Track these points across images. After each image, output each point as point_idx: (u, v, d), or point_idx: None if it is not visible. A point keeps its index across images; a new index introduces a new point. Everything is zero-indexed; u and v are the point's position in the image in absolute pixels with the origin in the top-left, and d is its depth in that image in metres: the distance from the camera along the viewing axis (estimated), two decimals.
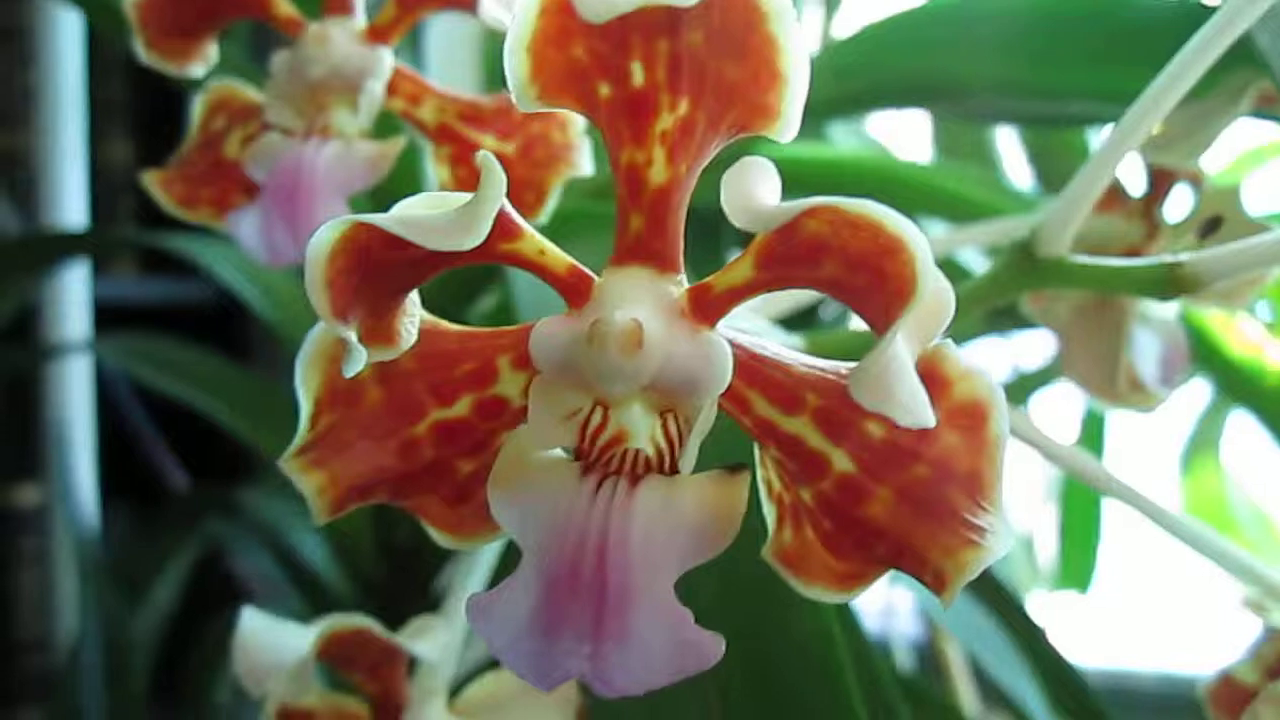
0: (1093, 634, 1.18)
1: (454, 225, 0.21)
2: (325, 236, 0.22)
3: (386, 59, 0.40)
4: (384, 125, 0.42)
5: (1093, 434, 0.92)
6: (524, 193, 0.40)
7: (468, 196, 0.22)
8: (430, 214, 0.22)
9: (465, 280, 0.67)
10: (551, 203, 0.40)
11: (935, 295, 0.20)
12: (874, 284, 0.21)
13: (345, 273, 0.22)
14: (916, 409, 0.20)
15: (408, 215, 0.22)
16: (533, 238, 0.24)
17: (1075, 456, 0.43)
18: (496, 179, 0.22)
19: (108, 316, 1.18)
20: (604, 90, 0.23)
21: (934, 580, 0.23)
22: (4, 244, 1.11)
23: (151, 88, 1.32)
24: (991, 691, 0.82)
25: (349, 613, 0.81)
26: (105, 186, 1.28)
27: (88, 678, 0.88)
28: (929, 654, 0.99)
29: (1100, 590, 1.02)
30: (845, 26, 0.90)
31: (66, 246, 0.96)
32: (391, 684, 0.36)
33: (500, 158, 0.41)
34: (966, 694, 0.91)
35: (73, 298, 1.13)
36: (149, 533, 1.10)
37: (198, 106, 0.44)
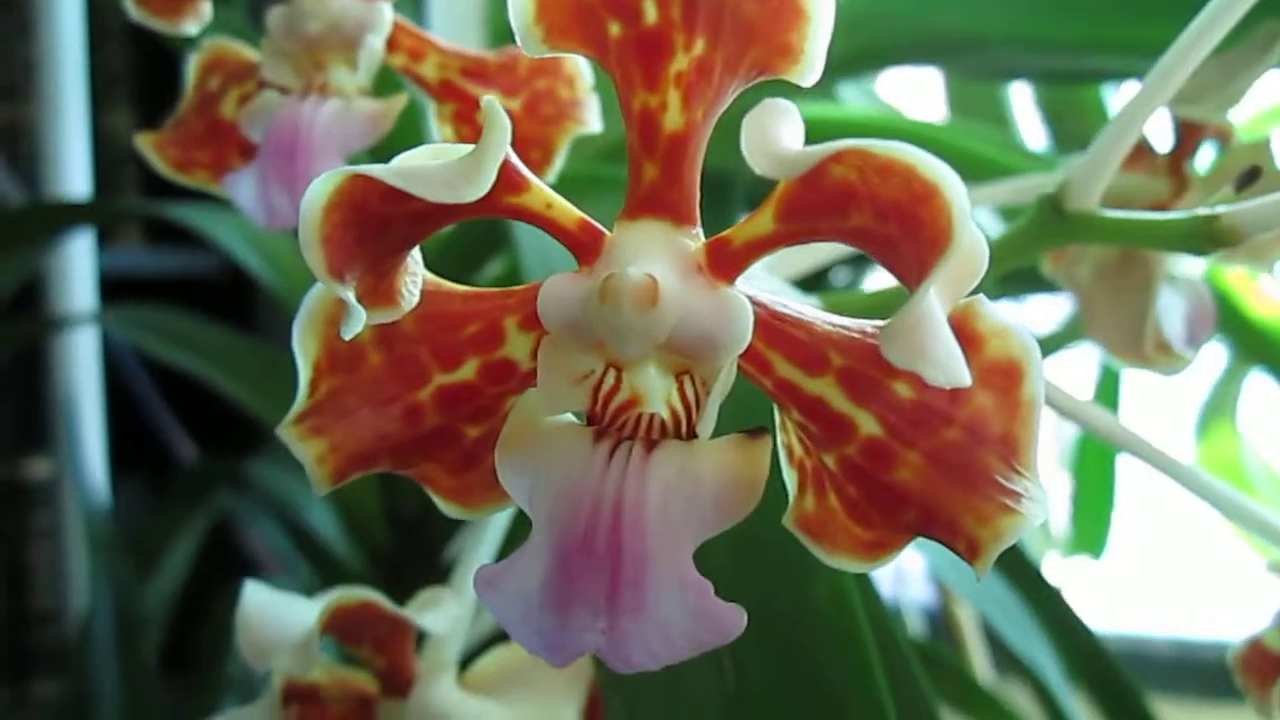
0: (1106, 599, 1.18)
1: (456, 175, 0.20)
2: (320, 189, 0.21)
3: (386, 13, 0.39)
4: (385, 83, 0.41)
5: (1107, 399, 0.91)
6: (530, 151, 0.39)
7: (471, 147, 0.21)
8: (431, 164, 0.21)
9: (471, 245, 0.66)
10: (559, 161, 0.39)
11: (971, 245, 0.19)
12: (906, 233, 0.19)
13: (342, 228, 0.21)
14: (951, 366, 0.19)
15: (407, 166, 0.21)
16: (540, 190, 0.23)
17: (1091, 412, 0.42)
18: (500, 125, 0.20)
19: (114, 288, 1.18)
20: (614, 29, 0.22)
21: (967, 549, 0.22)
22: (8, 214, 1.10)
23: (153, 56, 1.31)
24: (1005, 657, 0.82)
25: (355, 584, 0.80)
26: (108, 156, 1.27)
27: (100, 650, 0.88)
28: (941, 620, 0.99)
29: (1113, 556, 1.01)
30: None
31: (71, 217, 0.95)
32: (399, 658, 0.35)
33: (507, 115, 0.40)
34: (979, 659, 0.91)
35: (78, 269, 1.12)
36: (159, 505, 1.10)
37: (192, 66, 0.43)
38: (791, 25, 0.21)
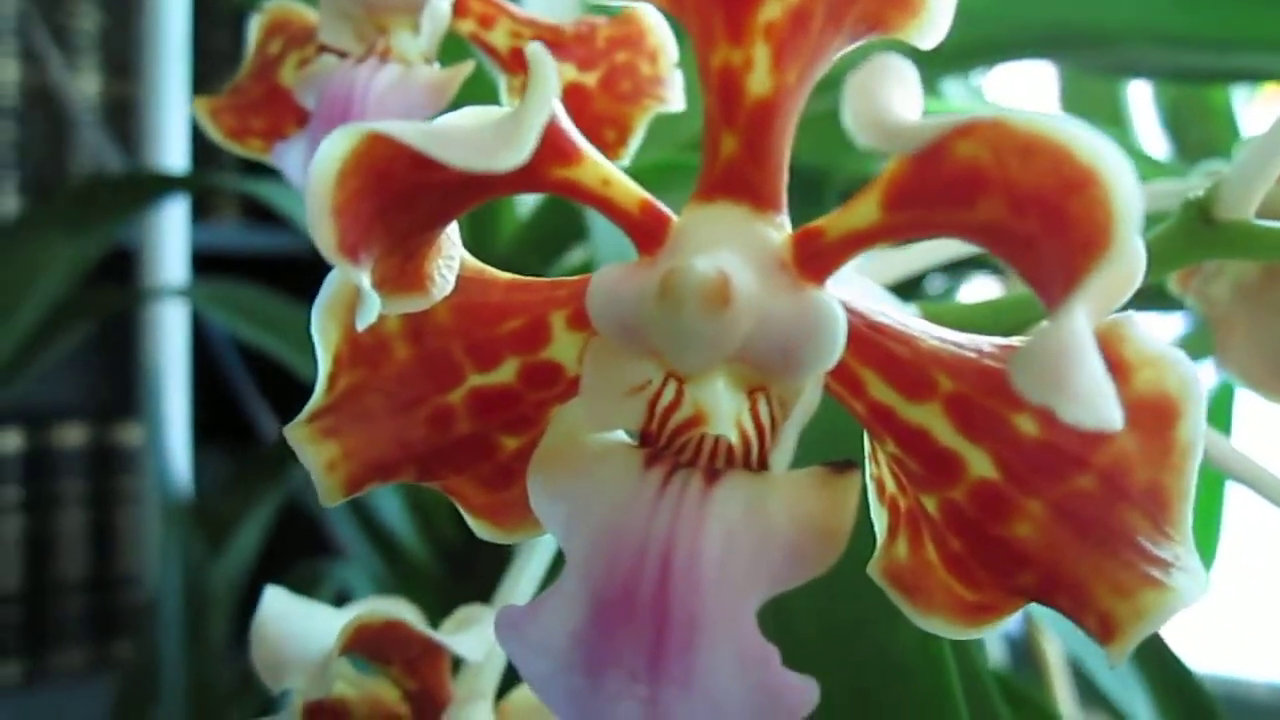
0: (1204, 638, 1.11)
1: (492, 138, 0.16)
2: (333, 150, 0.17)
3: None
4: (456, 50, 0.38)
5: (1218, 422, 0.85)
6: (604, 129, 0.35)
7: (512, 109, 0.17)
8: (462, 126, 0.17)
9: (550, 230, 0.63)
10: (635, 142, 0.35)
11: (1135, 251, 0.15)
12: (1051, 232, 0.15)
13: (359, 198, 0.18)
14: (1100, 405, 0.15)
15: (435, 127, 0.17)
16: (595, 163, 0.19)
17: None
18: (545, 80, 0.16)
19: (211, 263, 1.19)
20: None
21: (1100, 627, 0.18)
22: (105, 181, 1.12)
23: None
24: (1091, 692, 0.76)
25: (419, 578, 0.77)
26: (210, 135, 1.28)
27: (166, 623, 0.88)
28: (1024, 648, 0.94)
29: (1215, 593, 0.94)
30: None
31: (163, 186, 0.96)
32: (432, 680, 0.32)
33: (581, 89, 0.36)
34: (1064, 693, 0.85)
35: (171, 243, 1.14)
36: (237, 479, 1.11)
37: (254, 29, 0.40)
38: None
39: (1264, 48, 0.53)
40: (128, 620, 1.30)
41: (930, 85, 0.73)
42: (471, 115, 0.19)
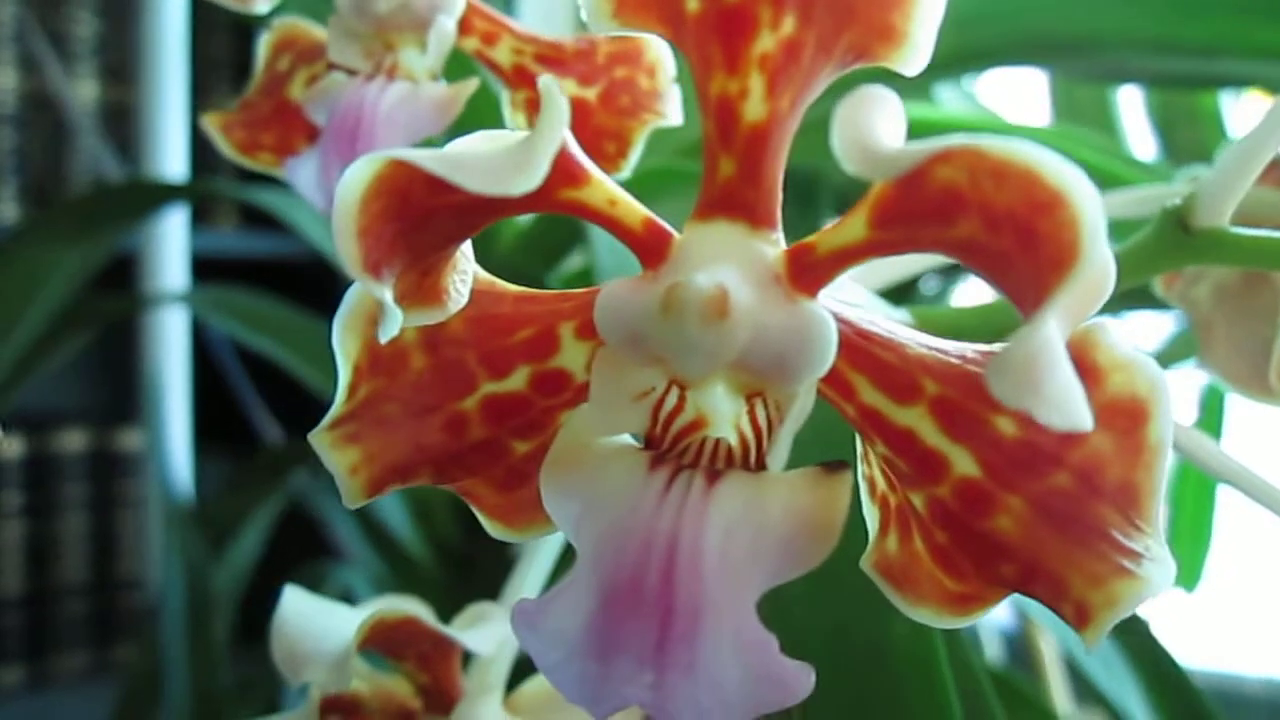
0: (1197, 635, 1.12)
1: (504, 165, 0.18)
2: (358, 176, 0.19)
3: None
4: (463, 67, 0.39)
5: (1210, 422, 0.86)
6: (605, 143, 0.36)
7: (525, 134, 0.19)
8: (477, 152, 0.18)
9: (552, 241, 0.64)
10: (635, 155, 0.36)
11: (1102, 267, 0.16)
12: (1023, 249, 0.16)
13: (382, 219, 0.19)
14: (1070, 408, 0.16)
15: (452, 154, 0.18)
16: (602, 185, 0.20)
17: (1192, 438, 0.38)
18: (557, 110, 0.18)
19: (210, 268, 1.19)
20: (691, 4, 0.19)
21: (1075, 614, 0.19)
22: (106, 190, 1.13)
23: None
24: (1086, 688, 0.78)
25: (421, 580, 0.78)
26: (208, 142, 1.29)
27: (170, 625, 0.89)
28: (1020, 645, 0.95)
29: (1208, 589, 0.96)
30: None
31: (165, 195, 0.96)
32: (443, 675, 0.33)
33: (581, 104, 0.37)
34: (1059, 690, 0.86)
35: (172, 249, 1.15)
36: (237, 482, 1.12)
37: (262, 46, 0.41)
38: (894, 3, 0.18)
39: (1248, 55, 0.54)
40: (129, 624, 1.31)
41: (923, 91, 0.74)
42: (484, 140, 0.20)
